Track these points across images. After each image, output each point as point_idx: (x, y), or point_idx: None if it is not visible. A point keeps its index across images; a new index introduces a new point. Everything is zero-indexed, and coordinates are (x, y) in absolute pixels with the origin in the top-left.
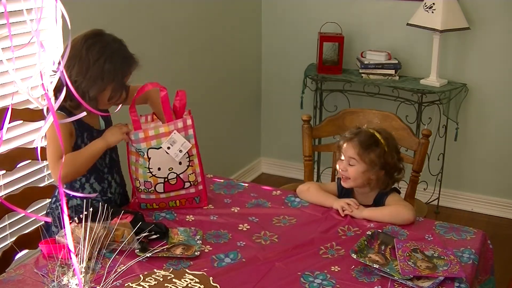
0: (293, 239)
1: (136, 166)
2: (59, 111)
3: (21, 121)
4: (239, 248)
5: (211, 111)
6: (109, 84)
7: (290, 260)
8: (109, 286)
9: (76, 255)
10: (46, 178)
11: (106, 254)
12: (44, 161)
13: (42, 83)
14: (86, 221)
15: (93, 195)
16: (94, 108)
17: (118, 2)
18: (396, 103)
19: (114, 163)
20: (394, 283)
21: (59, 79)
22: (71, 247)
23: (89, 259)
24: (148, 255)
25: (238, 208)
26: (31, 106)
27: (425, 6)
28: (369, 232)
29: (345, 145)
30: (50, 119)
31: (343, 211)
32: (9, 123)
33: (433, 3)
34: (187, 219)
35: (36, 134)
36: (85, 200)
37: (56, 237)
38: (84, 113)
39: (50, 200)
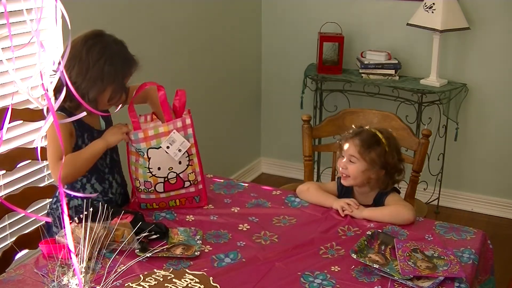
0: (293, 239)
1: (136, 166)
2: (59, 112)
3: (21, 121)
4: (239, 248)
5: (211, 111)
6: (109, 86)
7: (290, 260)
8: (109, 286)
9: (76, 255)
10: (46, 178)
11: (106, 254)
12: (44, 161)
13: (42, 83)
14: (86, 221)
15: (94, 195)
16: (93, 109)
17: (118, 2)
18: (396, 103)
19: (115, 164)
20: (394, 283)
21: (59, 79)
22: (71, 247)
23: (89, 259)
24: (148, 255)
25: (238, 208)
26: (31, 106)
27: (425, 6)
28: (369, 232)
29: (346, 143)
30: (50, 119)
31: (343, 211)
32: (9, 123)
33: (433, 3)
34: (187, 219)
35: (36, 134)
36: (85, 200)
37: (56, 237)
38: (84, 113)
39: (50, 200)
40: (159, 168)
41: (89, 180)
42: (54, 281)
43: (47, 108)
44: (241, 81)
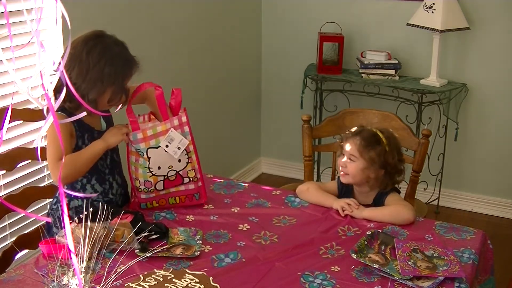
0: (293, 239)
1: (136, 166)
2: (59, 112)
3: (21, 121)
4: (239, 248)
5: (211, 111)
6: (109, 87)
7: (290, 260)
8: (109, 286)
9: (76, 255)
10: (46, 178)
11: (106, 254)
12: (44, 161)
13: (42, 83)
14: (86, 221)
15: (94, 195)
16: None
17: (118, 2)
18: (396, 103)
19: (115, 164)
20: (394, 283)
21: (59, 79)
22: (71, 247)
23: (89, 259)
24: (148, 255)
25: (238, 208)
26: (31, 106)
27: (425, 6)
28: (369, 232)
29: (347, 142)
30: (50, 119)
31: (343, 211)
32: (9, 123)
33: (433, 3)
34: (187, 219)
35: (36, 134)
36: (85, 201)
37: (56, 237)
38: (84, 113)
39: (51, 200)
40: (159, 167)
41: (89, 180)
42: (54, 281)
43: (47, 108)
44: (241, 81)
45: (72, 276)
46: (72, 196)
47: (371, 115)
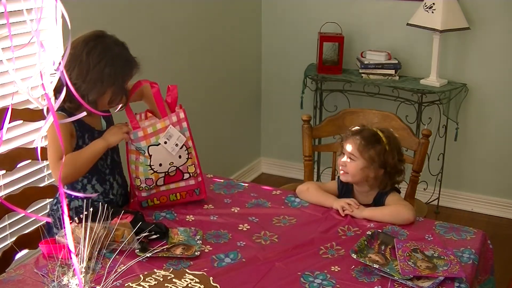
0: (293, 239)
1: (136, 164)
2: (59, 112)
3: (21, 121)
4: (239, 248)
5: (211, 111)
6: (109, 88)
7: (290, 260)
8: (109, 286)
9: (76, 255)
10: (46, 178)
11: (106, 254)
12: (44, 161)
13: (42, 83)
14: (86, 221)
15: (94, 195)
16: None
17: (118, 2)
18: (396, 103)
19: (115, 165)
20: (394, 283)
21: (59, 80)
22: (71, 247)
23: (89, 259)
24: (148, 255)
25: (238, 208)
26: (31, 106)
27: (425, 6)
28: (369, 232)
29: (347, 141)
30: (50, 119)
31: (344, 211)
32: (9, 123)
33: (433, 3)
34: (187, 219)
35: (36, 134)
36: (85, 201)
37: (56, 237)
38: (84, 113)
39: (51, 201)
40: (160, 164)
41: (90, 181)
42: (54, 281)
43: (47, 108)
44: (241, 81)
45: (72, 276)
46: (73, 196)
47: (371, 115)
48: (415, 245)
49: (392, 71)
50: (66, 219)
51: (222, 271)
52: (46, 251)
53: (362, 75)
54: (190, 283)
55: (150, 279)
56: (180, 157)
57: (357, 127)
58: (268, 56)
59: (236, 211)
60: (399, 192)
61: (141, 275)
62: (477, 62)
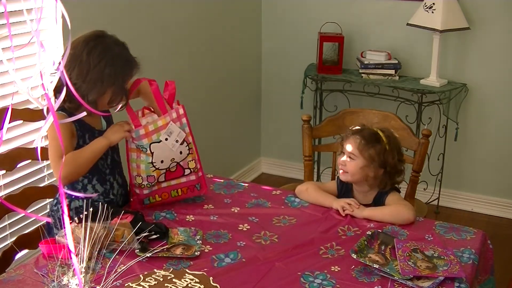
0: (293, 239)
1: (137, 162)
2: (59, 112)
3: (21, 121)
4: (239, 248)
5: (211, 111)
6: (109, 88)
7: (290, 260)
8: (109, 286)
9: (76, 255)
10: (46, 178)
11: (106, 254)
12: (44, 161)
13: (42, 83)
14: (86, 221)
15: (94, 195)
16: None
17: (118, 2)
18: (396, 103)
19: (116, 164)
20: (394, 283)
21: (59, 79)
22: (71, 247)
23: (89, 259)
24: (148, 255)
25: (238, 208)
26: (31, 106)
27: (425, 6)
28: (369, 232)
29: (347, 140)
30: (50, 119)
31: (344, 210)
32: (9, 123)
33: (433, 3)
34: (187, 219)
35: (36, 134)
36: (85, 201)
37: (56, 237)
38: (84, 113)
39: (51, 201)
40: (162, 161)
41: (90, 181)
42: (54, 281)
43: (47, 108)
44: (241, 81)
45: (72, 276)
46: (73, 196)
47: (371, 115)
48: (415, 245)
49: (392, 71)
50: (66, 219)
51: (222, 271)
52: (46, 251)
53: (362, 75)
54: (190, 283)
55: (150, 279)
56: (181, 152)
57: (357, 127)
58: (268, 56)
59: (236, 211)
60: (399, 192)
61: (141, 275)
62: (477, 62)
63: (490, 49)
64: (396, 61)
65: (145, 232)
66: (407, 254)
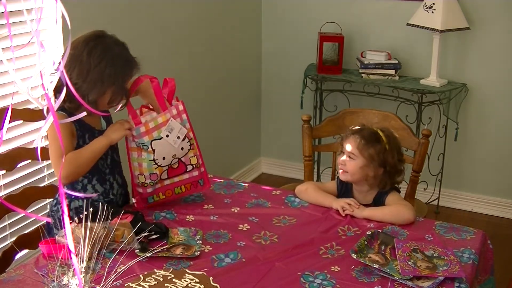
0: (293, 239)
1: (139, 161)
2: (59, 111)
3: (21, 121)
4: (239, 248)
5: (211, 111)
6: (109, 88)
7: (290, 260)
8: (109, 286)
9: (76, 255)
10: (46, 178)
11: (106, 254)
12: (44, 161)
13: (42, 83)
14: (86, 221)
15: (94, 195)
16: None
17: (118, 2)
18: (396, 103)
19: (115, 164)
20: (394, 283)
21: (59, 79)
22: (71, 247)
23: (89, 259)
24: (148, 255)
25: (238, 208)
26: (31, 106)
27: (425, 6)
28: (369, 232)
29: (347, 140)
30: (50, 119)
31: (344, 211)
32: (9, 123)
33: (433, 3)
34: (187, 219)
35: (36, 134)
36: (85, 201)
37: (56, 237)
38: (84, 113)
39: (50, 201)
40: (163, 158)
41: (90, 181)
42: (54, 281)
43: (47, 108)
44: (241, 81)
45: (72, 276)
46: (73, 196)
47: (371, 115)
48: (415, 245)
49: (392, 71)
50: (66, 219)
51: (222, 271)
52: (46, 251)
53: (362, 75)
54: (190, 283)
55: (150, 279)
56: (182, 148)
57: (357, 127)
58: (268, 56)
59: (236, 211)
60: (399, 192)
61: (141, 275)
62: (477, 62)
63: (490, 49)
64: (396, 61)
65: (145, 232)
66: (407, 254)
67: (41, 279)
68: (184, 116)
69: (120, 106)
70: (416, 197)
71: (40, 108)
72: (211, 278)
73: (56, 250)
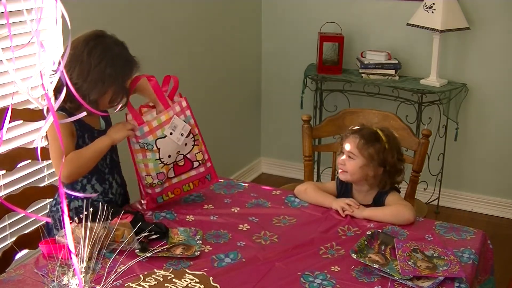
0: (293, 239)
1: (145, 162)
2: (59, 111)
3: (21, 121)
4: (239, 248)
5: (211, 111)
6: (109, 88)
7: (290, 260)
8: (109, 286)
9: (76, 255)
10: (46, 178)
11: (106, 254)
12: (44, 161)
13: (42, 83)
14: (86, 221)
15: (94, 195)
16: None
17: (118, 2)
18: (396, 103)
19: (114, 164)
20: (394, 283)
21: (59, 79)
22: (71, 247)
23: (89, 259)
24: (148, 255)
25: (238, 208)
26: (31, 106)
27: (425, 6)
28: (369, 232)
29: (346, 140)
30: (50, 119)
31: (343, 211)
32: (9, 123)
33: (433, 3)
34: (187, 219)
35: (36, 134)
36: (85, 201)
37: (56, 237)
38: (84, 113)
39: (50, 202)
40: (169, 156)
41: (89, 181)
42: (54, 281)
43: (47, 108)
44: (241, 81)
45: (72, 276)
46: (72, 197)
47: (371, 115)
48: (415, 245)
49: (392, 71)
50: (66, 219)
51: (222, 271)
52: (46, 251)
53: (362, 75)
54: (190, 283)
55: (150, 279)
56: (186, 145)
57: (356, 127)
58: (268, 56)
59: (236, 211)
60: (399, 192)
61: (141, 275)
62: (477, 62)
63: (490, 49)
64: (396, 61)
65: (145, 232)
66: (407, 254)
67: (41, 279)
68: (188, 112)
69: (120, 105)
70: (416, 197)
71: (40, 108)
72: (211, 278)
73: (56, 250)
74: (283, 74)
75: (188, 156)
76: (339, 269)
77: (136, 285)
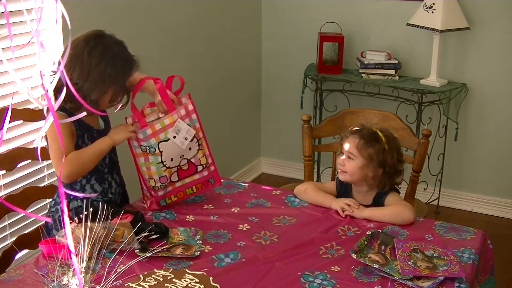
0: (293, 239)
1: (147, 165)
2: (59, 111)
3: (21, 121)
4: (239, 248)
5: (211, 111)
6: (110, 88)
7: (290, 260)
8: (109, 286)
9: (76, 255)
10: (46, 178)
11: (106, 254)
12: (44, 161)
13: (42, 83)
14: (86, 221)
15: (94, 195)
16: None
17: (118, 2)
18: (396, 103)
19: (114, 164)
20: (394, 283)
21: (59, 79)
22: (71, 247)
23: (89, 259)
24: (148, 255)
25: (238, 208)
26: (31, 106)
27: (425, 6)
28: (369, 232)
29: (346, 140)
30: (50, 119)
31: (343, 211)
32: (9, 123)
33: (433, 3)
34: (187, 219)
35: (36, 134)
36: (85, 201)
37: (56, 237)
38: (84, 113)
39: (49, 202)
40: (171, 159)
41: (88, 180)
42: (54, 281)
43: (47, 108)
44: (241, 81)
45: (72, 276)
46: (72, 197)
47: (371, 115)
48: (415, 245)
49: (392, 71)
50: (66, 219)
51: (222, 271)
52: (46, 251)
53: (362, 75)
54: (190, 283)
55: (150, 279)
56: (190, 149)
57: (356, 127)
58: (268, 56)
59: (236, 211)
60: (399, 193)
61: (141, 275)
62: (477, 62)
63: (490, 49)
64: (396, 61)
65: (145, 232)
66: (407, 254)
67: (41, 279)
68: (193, 115)
69: (120, 105)
70: (416, 197)
71: (40, 108)
72: (211, 278)
73: (56, 250)
74: (283, 74)
75: (192, 160)
76: (339, 269)
77: (136, 285)
